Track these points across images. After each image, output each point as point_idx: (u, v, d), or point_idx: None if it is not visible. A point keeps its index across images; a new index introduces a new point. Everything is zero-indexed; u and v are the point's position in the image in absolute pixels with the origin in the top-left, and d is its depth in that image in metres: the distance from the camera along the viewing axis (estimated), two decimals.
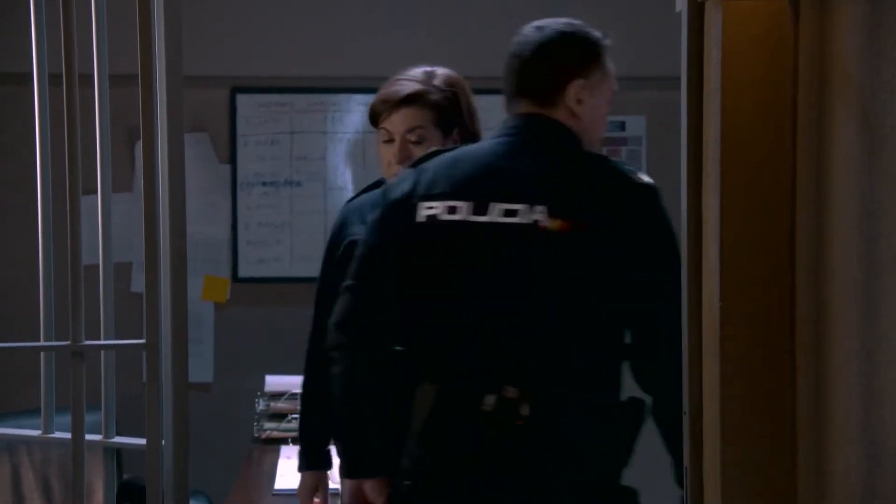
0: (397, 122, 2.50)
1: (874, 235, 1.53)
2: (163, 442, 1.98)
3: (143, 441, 1.98)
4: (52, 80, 2.22)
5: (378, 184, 2.70)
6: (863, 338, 1.57)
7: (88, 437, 2.01)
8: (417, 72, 2.56)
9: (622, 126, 4.82)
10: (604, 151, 4.80)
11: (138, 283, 4.10)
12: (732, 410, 1.81)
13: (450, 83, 2.56)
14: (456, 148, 2.31)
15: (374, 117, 2.52)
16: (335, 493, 2.74)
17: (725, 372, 1.81)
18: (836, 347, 1.65)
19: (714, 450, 1.86)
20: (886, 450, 1.52)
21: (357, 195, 2.68)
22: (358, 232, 2.56)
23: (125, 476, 3.94)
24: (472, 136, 2.59)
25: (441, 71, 2.57)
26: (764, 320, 1.80)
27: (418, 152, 2.49)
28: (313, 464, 2.69)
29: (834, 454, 1.67)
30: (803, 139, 1.73)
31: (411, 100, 2.50)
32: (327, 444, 2.69)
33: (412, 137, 2.50)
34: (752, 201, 1.78)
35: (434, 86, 2.52)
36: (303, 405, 2.75)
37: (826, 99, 1.65)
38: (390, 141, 2.51)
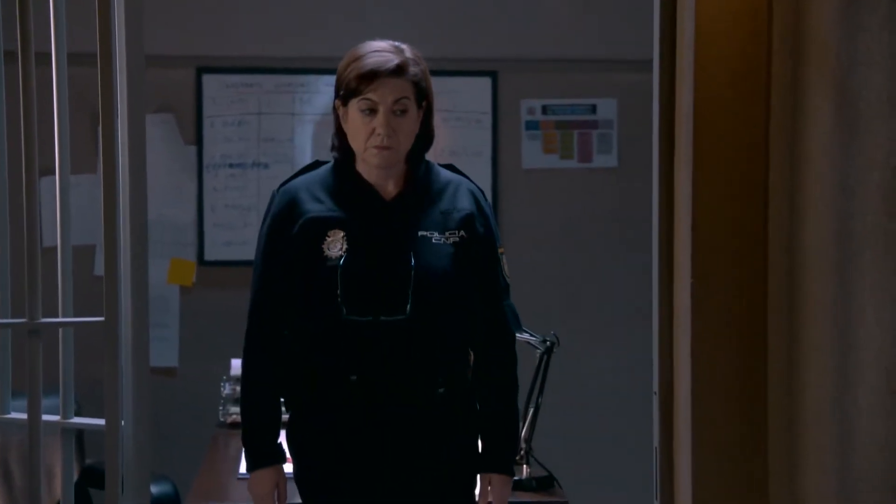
0: (386, 92, 2.48)
1: (849, 212, 1.51)
2: (122, 422, 1.93)
3: (102, 421, 1.93)
4: (8, 57, 2.17)
5: (315, 165, 2.66)
6: (837, 316, 1.55)
7: (46, 417, 1.96)
8: (385, 44, 2.54)
9: (593, 109, 4.79)
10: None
11: (102, 266, 4.08)
12: (704, 390, 1.79)
13: (419, 57, 2.56)
14: None
15: (356, 89, 2.48)
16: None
17: (697, 351, 1.79)
18: (810, 326, 1.63)
19: (685, 430, 1.83)
20: (859, 429, 1.50)
21: (293, 177, 2.64)
22: (314, 210, 2.54)
23: (88, 461, 3.88)
24: (431, 112, 2.61)
25: (406, 46, 2.56)
26: (736, 299, 1.78)
27: (402, 124, 2.50)
28: (268, 459, 2.62)
29: (807, 433, 1.64)
30: (778, 114, 1.70)
31: (400, 70, 2.50)
32: (278, 434, 2.62)
33: (398, 108, 2.50)
34: (725, 177, 1.75)
35: (410, 58, 2.53)
36: (246, 392, 2.60)
37: (801, 72, 1.62)
38: (371, 111, 2.48)
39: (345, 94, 2.51)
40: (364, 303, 2.50)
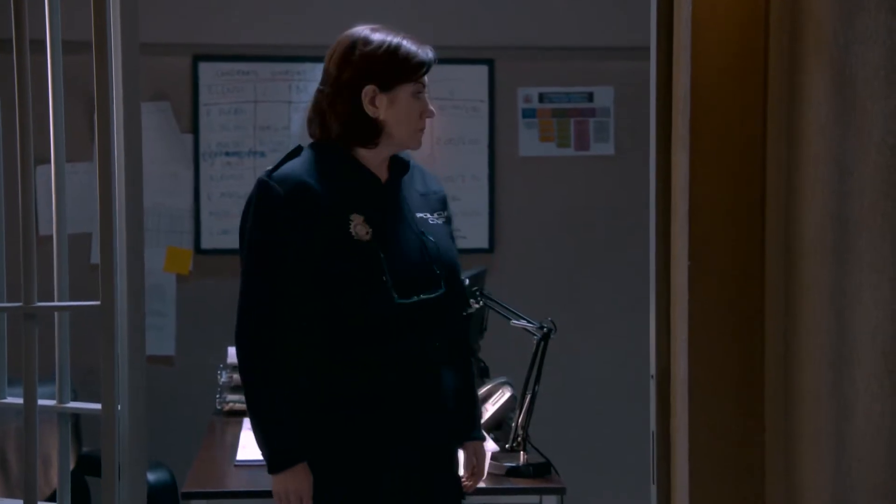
0: (426, 78, 2.59)
1: (846, 192, 1.50)
2: (119, 406, 1.93)
3: (98, 406, 1.93)
4: (2, 45, 2.17)
5: (299, 150, 2.62)
6: (833, 297, 1.55)
7: (42, 402, 1.96)
8: (395, 30, 2.59)
9: (590, 97, 4.79)
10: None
11: (98, 254, 4.07)
12: (701, 374, 1.79)
13: None
14: None
15: (412, 75, 2.54)
16: None
17: (694, 334, 1.78)
18: (807, 308, 1.63)
19: (682, 414, 1.83)
20: (856, 409, 1.49)
21: (281, 163, 2.58)
22: (329, 194, 2.54)
23: (84, 449, 3.88)
24: None
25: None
26: (734, 281, 1.77)
27: None
28: (303, 454, 2.48)
29: (802, 415, 1.64)
30: (775, 96, 1.70)
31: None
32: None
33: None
34: (722, 160, 1.75)
35: None
36: (271, 390, 2.47)
37: (799, 53, 1.61)
38: (421, 94, 2.57)
39: (392, 79, 2.52)
40: (408, 284, 2.50)
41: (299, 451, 2.48)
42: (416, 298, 2.50)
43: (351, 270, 2.47)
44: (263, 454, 2.49)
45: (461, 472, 2.70)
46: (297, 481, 2.46)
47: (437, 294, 2.54)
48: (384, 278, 2.46)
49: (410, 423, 2.53)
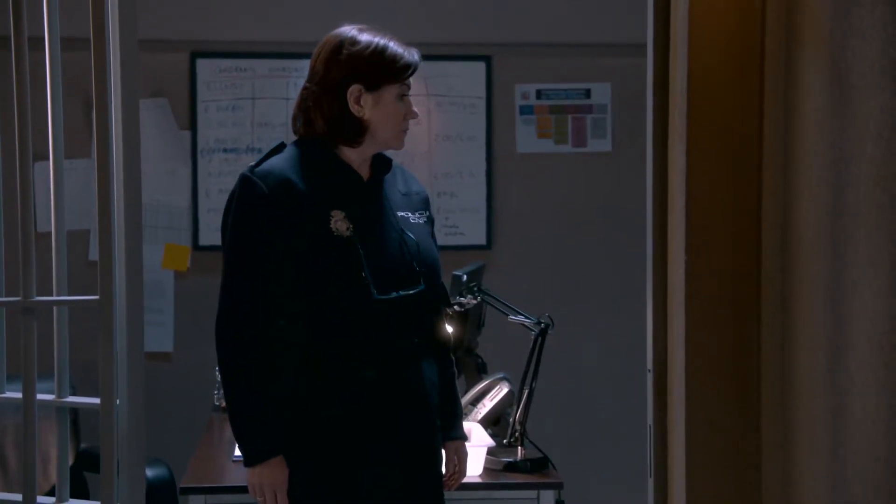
0: (411, 80, 2.62)
1: (841, 184, 1.51)
2: (117, 401, 1.93)
3: (97, 400, 1.93)
4: (0, 42, 2.17)
5: (282, 147, 2.62)
6: (830, 290, 1.55)
7: (40, 396, 1.97)
8: (380, 31, 2.60)
9: (587, 94, 4.79)
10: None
11: (97, 251, 4.06)
12: (698, 367, 1.79)
13: None
14: None
15: (398, 76, 2.56)
16: None
17: (691, 328, 1.79)
18: (803, 301, 1.64)
19: (679, 407, 1.84)
20: (852, 402, 1.50)
21: (264, 159, 2.57)
22: (312, 191, 2.55)
23: (83, 445, 3.89)
24: None
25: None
26: (730, 275, 1.78)
27: None
28: (280, 449, 2.49)
29: (799, 408, 1.65)
30: (771, 90, 1.71)
31: None
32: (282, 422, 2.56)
33: None
34: (719, 155, 1.75)
35: None
36: (252, 385, 2.46)
37: (794, 47, 1.62)
38: (405, 96, 2.60)
39: (378, 79, 2.54)
40: (387, 280, 2.51)
41: (275, 445, 2.50)
42: (394, 294, 2.51)
43: (330, 266, 2.48)
44: (241, 448, 2.52)
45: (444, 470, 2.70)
46: (273, 475, 2.49)
47: (416, 291, 2.55)
48: (363, 274, 2.47)
49: (390, 419, 2.52)
